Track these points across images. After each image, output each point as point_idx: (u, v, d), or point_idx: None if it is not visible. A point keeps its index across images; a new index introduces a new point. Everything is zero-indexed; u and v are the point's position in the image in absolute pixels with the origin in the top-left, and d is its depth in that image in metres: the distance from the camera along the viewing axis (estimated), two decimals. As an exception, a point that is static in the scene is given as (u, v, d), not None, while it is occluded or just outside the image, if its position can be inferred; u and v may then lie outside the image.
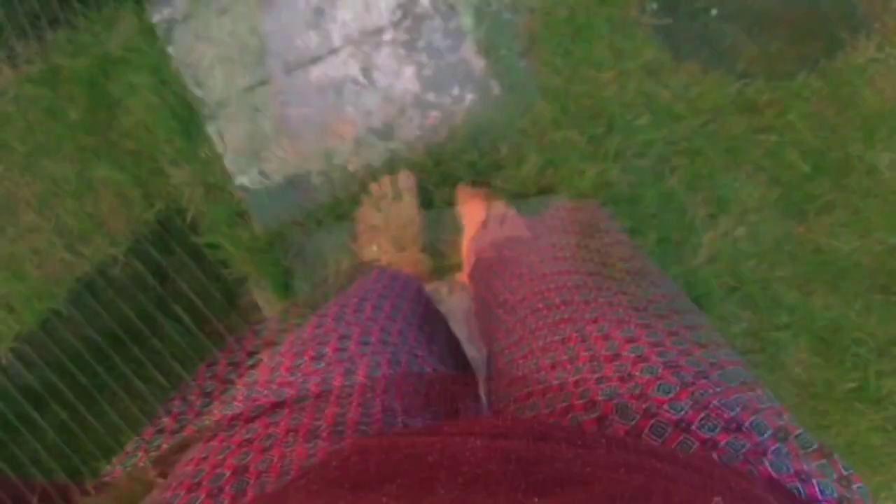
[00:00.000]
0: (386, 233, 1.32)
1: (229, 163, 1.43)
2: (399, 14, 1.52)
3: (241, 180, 1.42)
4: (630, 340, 0.50)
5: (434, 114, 1.49)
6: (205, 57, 1.46)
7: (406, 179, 1.37)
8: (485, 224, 1.25)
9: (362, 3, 1.52)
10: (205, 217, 1.44)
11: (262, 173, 1.43)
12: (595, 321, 0.54)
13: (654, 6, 1.64)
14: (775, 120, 1.62)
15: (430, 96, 1.49)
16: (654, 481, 0.34)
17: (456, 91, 1.50)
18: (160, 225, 1.55)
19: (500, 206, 1.39)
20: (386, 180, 1.37)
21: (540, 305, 0.62)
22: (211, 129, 1.44)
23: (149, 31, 1.46)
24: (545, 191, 1.45)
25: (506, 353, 0.63)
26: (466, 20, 1.54)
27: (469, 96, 1.50)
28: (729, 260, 1.47)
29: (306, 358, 0.58)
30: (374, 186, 1.37)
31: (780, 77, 1.64)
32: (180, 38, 1.46)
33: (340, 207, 1.44)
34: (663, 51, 1.62)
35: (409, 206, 1.35)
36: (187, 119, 1.44)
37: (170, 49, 1.46)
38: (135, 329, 1.57)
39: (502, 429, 0.39)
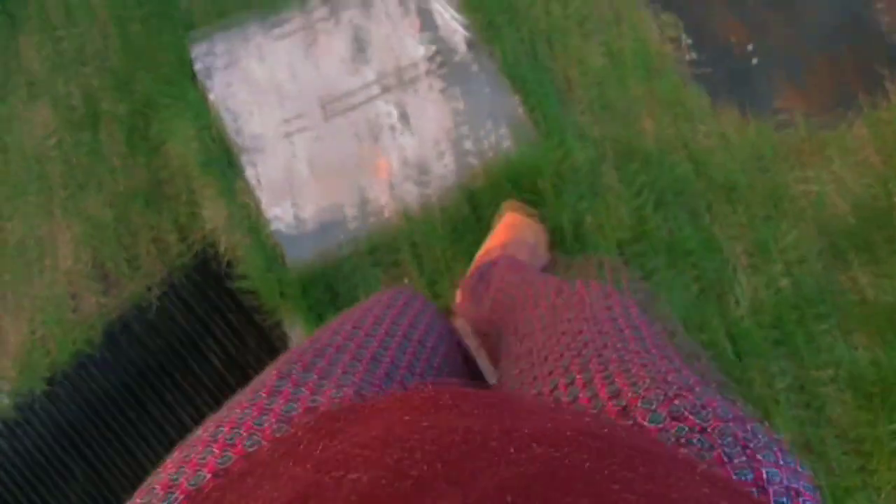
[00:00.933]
0: None
1: (265, 206, 1.41)
2: (437, 58, 1.51)
3: (277, 224, 1.41)
4: (623, 371, 0.52)
5: (471, 157, 1.47)
6: (244, 102, 1.45)
7: None
8: (505, 246, 1.24)
9: (400, 45, 1.52)
10: (240, 261, 1.42)
11: (297, 217, 1.41)
12: (596, 356, 0.56)
13: (692, 51, 1.62)
14: (818, 167, 1.57)
15: (467, 140, 1.47)
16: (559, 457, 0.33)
17: (492, 137, 1.48)
18: (196, 268, 1.54)
19: (532, 235, 1.36)
20: None
21: (546, 353, 0.63)
22: (248, 173, 1.43)
23: (189, 76, 1.46)
24: (582, 238, 1.41)
25: (514, 379, 0.63)
26: (504, 63, 1.52)
27: (506, 140, 1.48)
28: (772, 311, 1.41)
29: (298, 367, 0.56)
30: None
31: (823, 123, 1.60)
32: (220, 84, 1.46)
33: (376, 252, 1.41)
34: (702, 95, 1.59)
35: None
36: (225, 163, 1.43)
37: (210, 94, 1.46)
38: (168, 372, 1.55)
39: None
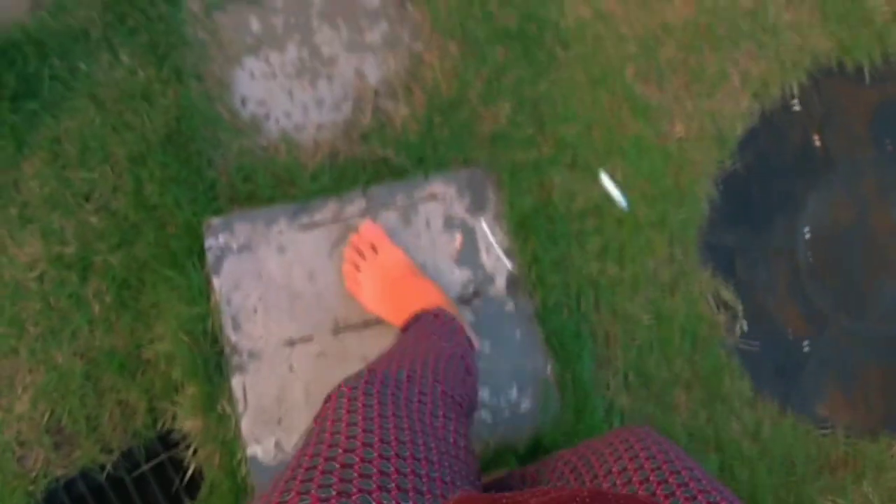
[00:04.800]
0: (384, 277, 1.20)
1: (246, 426, 1.18)
2: (470, 289, 1.27)
3: (255, 450, 1.17)
4: None
5: (483, 414, 1.24)
6: (250, 297, 1.21)
7: (369, 230, 1.22)
8: None
9: (433, 263, 1.28)
10: (205, 480, 1.19)
11: (278, 446, 1.18)
12: None
13: (745, 327, 1.39)
14: (849, 483, 1.36)
15: (483, 393, 1.24)
16: None
17: (513, 394, 1.25)
18: (160, 445, 1.30)
19: None
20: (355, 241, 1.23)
21: None
22: (235, 382, 1.19)
23: (198, 254, 1.22)
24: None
25: None
26: (542, 309, 1.29)
27: (525, 403, 1.25)
28: None
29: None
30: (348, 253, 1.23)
31: (862, 434, 1.38)
32: (229, 271, 1.22)
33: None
34: (744, 379, 1.37)
35: (389, 251, 1.21)
36: (213, 365, 1.20)
37: (215, 280, 1.21)
38: (105, 546, 1.32)
39: None
